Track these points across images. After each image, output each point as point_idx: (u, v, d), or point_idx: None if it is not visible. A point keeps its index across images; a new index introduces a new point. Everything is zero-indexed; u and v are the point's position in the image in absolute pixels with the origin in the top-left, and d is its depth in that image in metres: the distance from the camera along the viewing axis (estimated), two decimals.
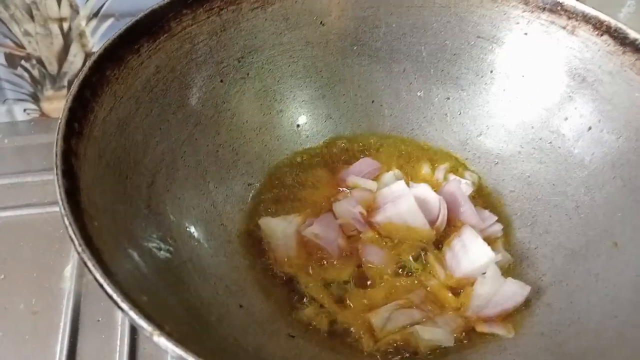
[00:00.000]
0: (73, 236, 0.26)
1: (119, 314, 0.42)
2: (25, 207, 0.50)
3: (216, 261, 0.38)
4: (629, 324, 0.34)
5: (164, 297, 0.31)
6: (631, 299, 0.35)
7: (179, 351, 0.23)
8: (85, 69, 0.36)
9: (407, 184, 0.45)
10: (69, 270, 0.45)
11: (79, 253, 0.26)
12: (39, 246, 0.46)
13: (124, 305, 0.24)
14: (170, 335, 0.24)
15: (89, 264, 0.25)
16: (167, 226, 0.37)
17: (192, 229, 0.39)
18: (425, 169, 0.47)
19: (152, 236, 0.35)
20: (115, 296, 0.24)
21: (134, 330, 0.41)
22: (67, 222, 0.27)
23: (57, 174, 0.29)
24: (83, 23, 0.55)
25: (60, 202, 0.28)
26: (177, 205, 0.39)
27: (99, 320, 0.41)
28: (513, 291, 0.38)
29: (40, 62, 0.57)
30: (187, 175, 0.41)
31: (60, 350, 0.40)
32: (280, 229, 0.40)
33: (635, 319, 0.34)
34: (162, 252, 0.34)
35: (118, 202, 0.34)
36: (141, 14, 0.40)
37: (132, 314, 0.24)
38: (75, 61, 0.58)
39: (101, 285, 0.25)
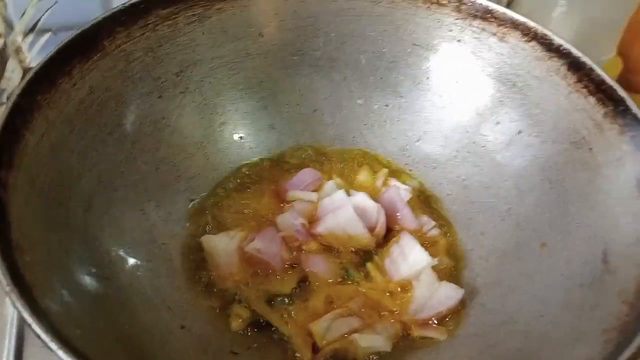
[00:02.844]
0: (0, 275, 0.26)
1: None
2: None
3: (157, 283, 0.38)
4: (554, 324, 0.36)
5: (101, 328, 0.31)
6: (557, 299, 0.37)
7: None
8: (14, 95, 0.35)
9: (348, 193, 0.46)
10: None
11: (6, 292, 0.26)
12: None
13: (52, 345, 0.25)
14: None
15: (17, 304, 0.26)
16: (105, 251, 0.37)
17: (132, 252, 0.39)
18: (366, 176, 0.49)
19: (89, 263, 0.35)
20: (43, 336, 0.25)
21: None
22: None
23: None
24: (19, 39, 0.54)
25: None
26: (115, 227, 0.39)
27: (43, 346, 0.41)
28: (447, 295, 0.40)
29: None
30: (126, 196, 0.41)
31: None
32: (222, 246, 0.41)
33: (560, 319, 0.36)
34: (99, 278, 0.35)
35: (52, 230, 0.34)
36: (72, 35, 0.40)
37: (61, 353, 0.24)
38: (13, 77, 0.56)
39: (29, 325, 0.25)
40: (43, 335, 0.25)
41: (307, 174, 0.47)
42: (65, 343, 0.25)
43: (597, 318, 0.32)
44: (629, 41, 0.66)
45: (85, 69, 0.40)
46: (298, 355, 0.38)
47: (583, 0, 0.61)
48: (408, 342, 0.39)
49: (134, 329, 0.34)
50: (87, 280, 0.34)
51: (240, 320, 0.39)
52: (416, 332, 0.39)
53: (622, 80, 0.68)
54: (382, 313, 0.40)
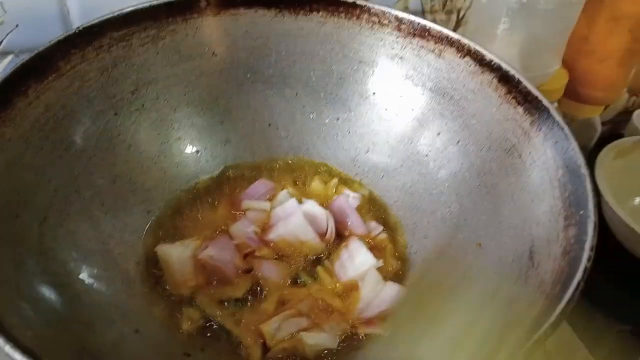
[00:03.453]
0: None
1: None
2: None
3: (113, 290, 0.40)
4: (483, 319, 0.38)
5: (54, 333, 0.32)
6: (489, 295, 0.40)
7: None
8: None
9: (300, 201, 0.48)
10: None
11: None
12: None
13: None
14: None
15: None
16: (61, 261, 0.38)
17: (88, 262, 0.40)
18: (318, 186, 0.51)
19: (44, 273, 0.36)
20: None
21: None
22: None
23: None
24: None
25: None
26: (71, 239, 0.40)
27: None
28: (390, 294, 0.42)
29: None
30: (82, 209, 0.42)
31: None
32: (176, 254, 0.43)
33: (489, 314, 0.38)
34: (55, 287, 0.36)
35: (7, 243, 0.35)
36: (28, 56, 0.41)
37: (8, 348, 0.26)
38: None
39: None
40: None
41: (261, 185, 0.50)
42: (13, 340, 0.26)
43: (519, 309, 0.35)
44: (573, 54, 0.70)
45: (40, 88, 0.42)
46: (249, 355, 0.40)
47: (524, 17, 0.65)
48: (354, 339, 0.41)
49: (87, 333, 0.35)
50: (42, 289, 0.35)
51: (190, 322, 0.40)
52: (361, 330, 0.41)
53: (570, 91, 0.71)
54: (330, 313, 0.42)
